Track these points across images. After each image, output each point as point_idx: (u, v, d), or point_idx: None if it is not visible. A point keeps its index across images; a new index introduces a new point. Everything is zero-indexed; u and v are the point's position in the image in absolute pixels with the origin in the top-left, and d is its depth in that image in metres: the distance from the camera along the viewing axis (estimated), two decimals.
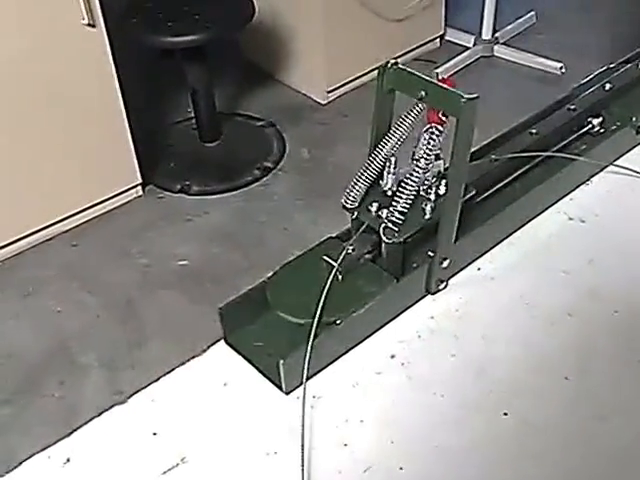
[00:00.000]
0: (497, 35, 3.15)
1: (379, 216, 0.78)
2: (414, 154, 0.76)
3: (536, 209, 0.92)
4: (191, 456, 0.70)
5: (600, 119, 0.95)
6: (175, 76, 2.59)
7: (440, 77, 0.74)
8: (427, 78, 0.74)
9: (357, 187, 0.79)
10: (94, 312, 2.09)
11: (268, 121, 2.80)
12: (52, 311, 2.09)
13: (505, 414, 0.73)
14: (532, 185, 0.90)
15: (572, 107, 0.94)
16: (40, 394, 1.87)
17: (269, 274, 0.81)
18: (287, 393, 0.75)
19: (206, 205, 2.47)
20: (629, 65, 1.00)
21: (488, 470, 0.70)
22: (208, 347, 0.80)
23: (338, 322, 0.76)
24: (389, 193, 0.79)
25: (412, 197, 0.77)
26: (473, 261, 0.88)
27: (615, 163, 0.97)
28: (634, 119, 0.97)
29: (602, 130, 0.96)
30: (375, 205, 0.79)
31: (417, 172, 0.76)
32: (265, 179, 2.58)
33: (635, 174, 0.95)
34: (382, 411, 0.74)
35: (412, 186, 0.76)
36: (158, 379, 0.77)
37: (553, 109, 0.96)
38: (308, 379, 0.76)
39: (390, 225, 0.77)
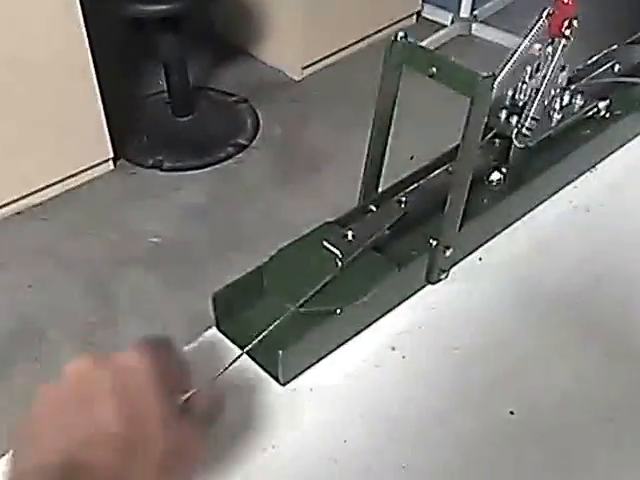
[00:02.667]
0: (475, 13, 3.11)
1: (508, 122, 0.83)
2: (539, 67, 0.82)
3: (539, 197, 0.89)
4: None
5: (607, 102, 0.92)
6: (148, 48, 2.53)
7: None
8: (439, 54, 0.70)
9: None
10: (65, 288, 2.04)
11: (242, 97, 2.75)
12: (22, 286, 2.03)
13: (511, 412, 0.70)
14: (536, 172, 0.87)
15: (578, 90, 0.90)
16: (9, 373, 1.82)
17: (250, 255, 0.77)
18: (284, 384, 0.72)
19: (178, 181, 2.42)
20: (637, 45, 0.97)
21: (493, 469, 0.67)
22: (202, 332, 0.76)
23: (338, 312, 0.73)
24: (520, 103, 0.84)
25: (543, 105, 0.82)
26: (475, 249, 0.85)
27: (622, 149, 0.94)
28: None
29: (608, 115, 0.92)
30: (505, 112, 0.84)
31: (547, 82, 0.81)
32: (238, 156, 2.53)
33: None
34: (382, 406, 0.71)
35: (544, 94, 0.81)
36: None
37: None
38: (305, 370, 0.73)
39: (524, 130, 0.81)
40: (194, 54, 2.76)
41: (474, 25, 3.07)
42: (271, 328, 0.69)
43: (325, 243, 0.76)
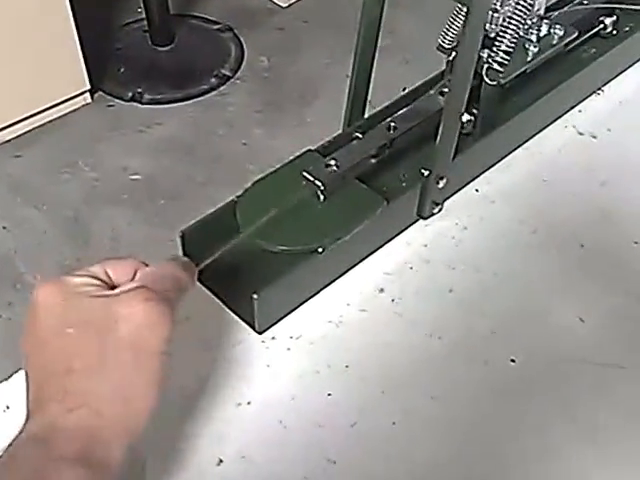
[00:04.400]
0: None
1: (479, 57, 0.69)
2: None
3: (541, 122, 0.81)
4: None
5: (613, 18, 0.83)
6: None
7: None
8: None
9: (455, 25, 0.71)
10: (41, 228, 1.96)
11: (225, 25, 2.62)
12: None
13: (512, 360, 0.63)
14: (536, 95, 0.79)
15: (583, 2, 0.82)
16: None
17: (235, 192, 0.70)
18: (260, 332, 0.65)
19: (159, 115, 2.32)
20: None
21: (491, 424, 0.61)
22: None
23: (320, 250, 0.65)
24: (492, 34, 0.71)
25: (516, 37, 0.71)
26: (471, 181, 0.77)
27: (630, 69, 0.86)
28: None
29: (615, 31, 0.84)
30: None
31: (520, 10, 0.70)
32: (222, 88, 2.42)
33: None
34: (370, 355, 0.64)
35: (516, 25, 0.70)
36: None
37: (558, 5, 0.84)
38: (285, 316, 0.66)
39: (495, 65, 0.71)
40: None
41: None
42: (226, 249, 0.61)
43: (305, 174, 0.68)
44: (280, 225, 0.65)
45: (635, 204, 0.76)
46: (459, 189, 0.76)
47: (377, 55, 0.74)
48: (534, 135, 0.80)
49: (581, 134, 0.81)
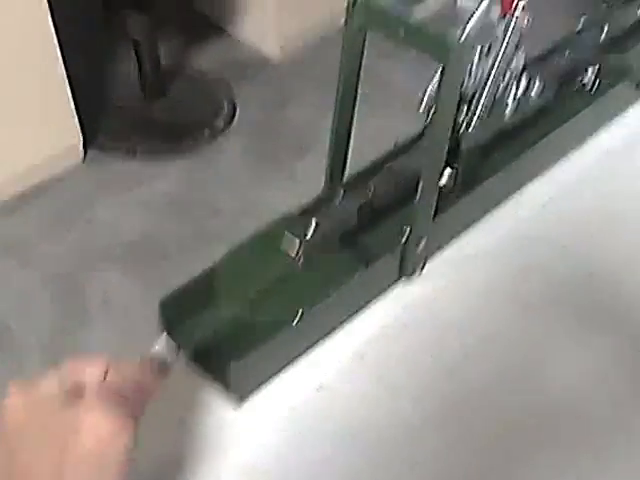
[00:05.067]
0: None
1: (459, 114, 0.69)
2: (490, 48, 0.68)
3: (523, 179, 0.80)
4: None
5: (594, 72, 0.83)
6: (117, 28, 2.41)
7: None
8: (408, 15, 0.61)
9: (433, 82, 0.69)
10: (33, 290, 1.94)
11: (218, 77, 2.64)
12: None
13: (496, 423, 0.61)
14: (517, 151, 0.78)
15: (564, 56, 0.81)
16: None
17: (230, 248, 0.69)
18: (239, 402, 0.63)
19: (153, 169, 2.32)
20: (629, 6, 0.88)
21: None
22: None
23: (297, 317, 0.64)
24: (470, 91, 0.70)
25: (494, 93, 0.70)
26: (452, 240, 0.76)
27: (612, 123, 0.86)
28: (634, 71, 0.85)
29: (596, 85, 0.83)
30: None
31: (497, 66, 0.69)
32: (216, 141, 2.43)
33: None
34: (351, 421, 0.63)
35: (494, 82, 0.69)
36: None
37: (540, 60, 0.84)
38: (263, 384, 0.64)
39: (474, 122, 0.70)
40: (167, 32, 2.65)
41: None
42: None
43: (283, 239, 0.67)
44: (258, 293, 0.64)
45: (620, 258, 0.75)
46: (440, 249, 0.75)
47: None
48: (516, 192, 0.80)
49: (564, 189, 0.80)
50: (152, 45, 2.40)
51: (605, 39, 0.83)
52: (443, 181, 0.72)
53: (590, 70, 0.81)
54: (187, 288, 0.67)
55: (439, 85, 0.62)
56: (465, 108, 0.70)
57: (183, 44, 2.78)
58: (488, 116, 0.70)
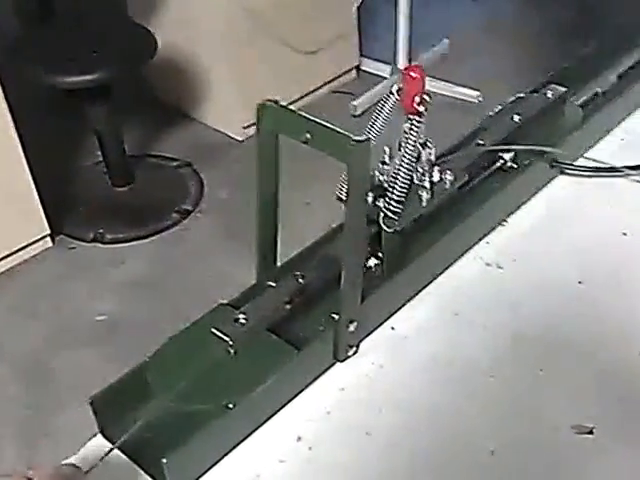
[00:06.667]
0: (413, 64, 3.11)
1: (376, 205, 0.75)
2: (400, 145, 0.75)
3: (449, 257, 0.84)
4: None
5: (512, 154, 0.87)
6: (80, 117, 2.47)
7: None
8: (312, 118, 0.66)
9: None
10: (2, 380, 1.94)
11: (183, 161, 2.69)
12: None
13: None
14: (439, 233, 0.82)
15: (481, 142, 0.86)
16: None
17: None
18: None
19: (122, 253, 2.34)
20: (536, 94, 0.93)
21: None
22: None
23: (231, 406, 0.66)
24: (385, 184, 0.76)
25: (407, 186, 0.75)
26: (386, 320, 0.79)
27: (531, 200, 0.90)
28: (547, 152, 0.89)
29: (515, 165, 0.88)
30: (371, 195, 0.75)
31: (407, 161, 0.74)
32: (184, 222, 2.46)
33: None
34: None
35: (405, 175, 0.74)
36: None
37: (461, 145, 0.88)
38: (201, 476, 0.66)
39: (389, 213, 0.74)
40: (130, 119, 2.70)
41: None
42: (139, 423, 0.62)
43: (214, 330, 0.70)
44: (191, 384, 0.67)
45: (541, 326, 0.78)
46: (373, 329, 0.78)
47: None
48: (443, 271, 0.83)
49: (488, 265, 0.84)
50: (114, 134, 2.44)
51: (517, 125, 0.88)
52: (369, 264, 0.76)
53: (506, 155, 0.86)
54: (120, 383, 0.69)
55: (347, 184, 0.66)
56: (384, 199, 0.74)
57: (147, 131, 2.83)
58: (405, 205, 0.74)
